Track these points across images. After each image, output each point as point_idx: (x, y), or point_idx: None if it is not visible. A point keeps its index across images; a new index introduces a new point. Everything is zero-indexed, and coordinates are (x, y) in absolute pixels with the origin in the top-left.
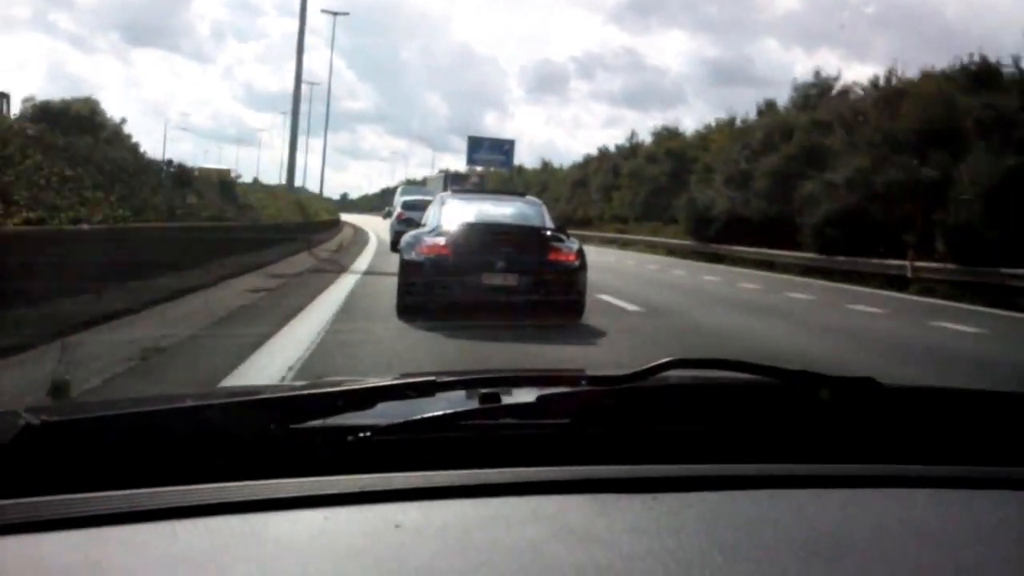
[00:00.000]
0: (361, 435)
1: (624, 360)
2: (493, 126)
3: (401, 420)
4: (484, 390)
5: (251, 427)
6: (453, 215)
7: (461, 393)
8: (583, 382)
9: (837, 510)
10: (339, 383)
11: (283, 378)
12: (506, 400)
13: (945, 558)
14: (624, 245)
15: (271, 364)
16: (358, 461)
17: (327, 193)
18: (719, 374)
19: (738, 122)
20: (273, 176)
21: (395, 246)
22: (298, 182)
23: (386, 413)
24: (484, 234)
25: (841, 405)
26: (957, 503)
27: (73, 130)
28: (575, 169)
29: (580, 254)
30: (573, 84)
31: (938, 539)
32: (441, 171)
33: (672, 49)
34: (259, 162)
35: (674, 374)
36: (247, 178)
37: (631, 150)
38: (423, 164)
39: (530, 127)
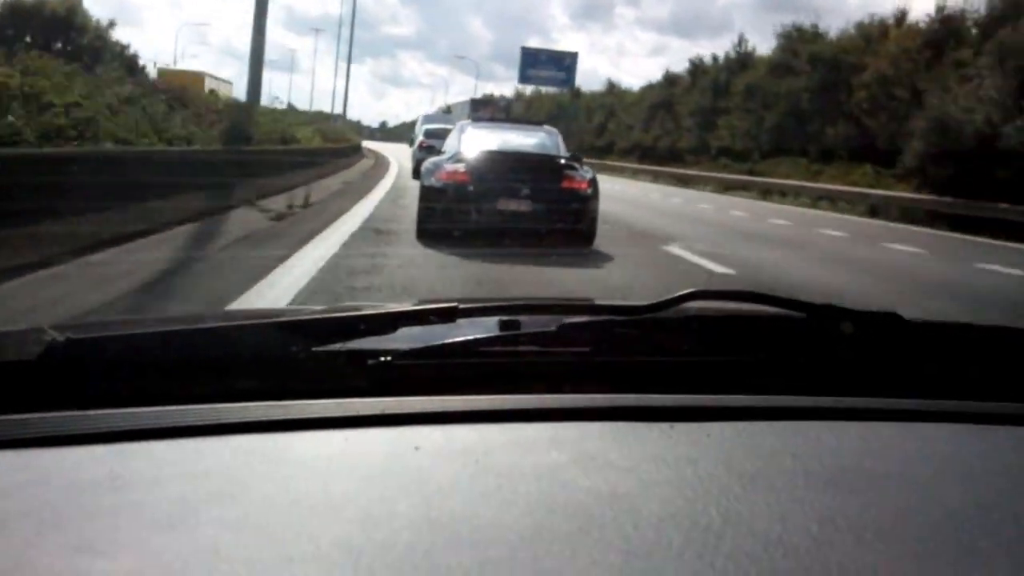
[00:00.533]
0: (382, 359)
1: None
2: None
3: (422, 345)
4: (505, 317)
5: (273, 349)
6: (472, 143)
7: (482, 320)
8: (604, 311)
9: (857, 442)
10: (360, 307)
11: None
12: (526, 328)
13: (966, 491)
14: (764, 194)
15: None
16: (379, 385)
17: (368, 121)
18: (742, 306)
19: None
20: (316, 103)
21: (416, 173)
22: (337, 109)
23: (407, 338)
24: (501, 162)
25: (864, 339)
26: (978, 437)
27: (49, 32)
28: (654, 89)
29: (592, 183)
30: (619, 10)
31: (958, 473)
32: (470, 99)
33: None
34: (290, 86)
35: (696, 305)
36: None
37: (739, 60)
38: (465, 91)
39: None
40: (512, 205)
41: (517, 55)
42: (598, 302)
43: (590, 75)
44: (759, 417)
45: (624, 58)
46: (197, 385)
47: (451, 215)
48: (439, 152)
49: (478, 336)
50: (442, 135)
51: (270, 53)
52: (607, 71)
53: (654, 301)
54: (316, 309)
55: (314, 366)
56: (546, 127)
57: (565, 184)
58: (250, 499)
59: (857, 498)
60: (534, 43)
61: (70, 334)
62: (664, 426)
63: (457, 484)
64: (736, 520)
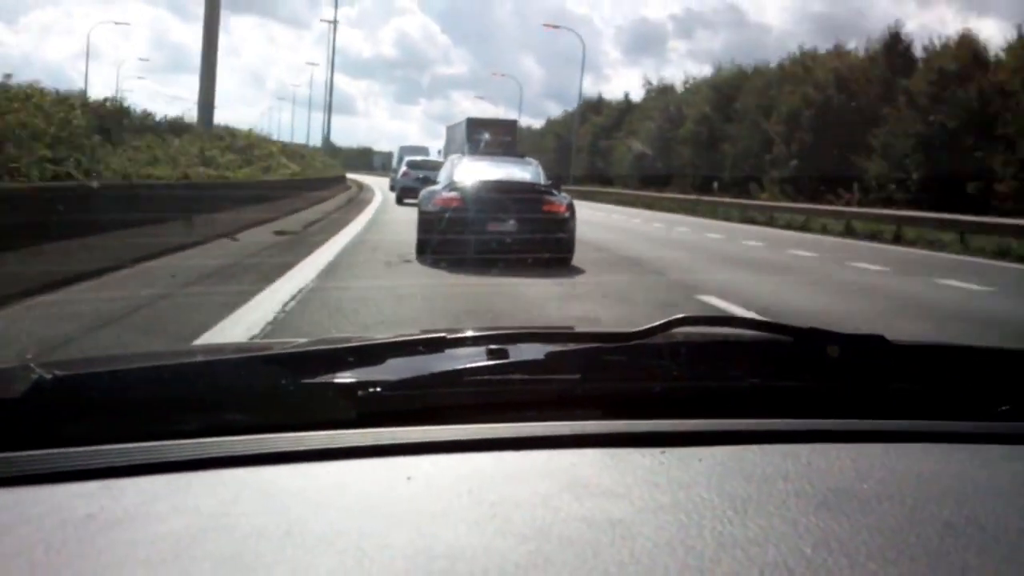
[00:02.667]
0: (372, 390)
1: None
2: (588, 89)
3: (411, 375)
4: (494, 346)
5: (262, 382)
6: (463, 174)
7: (471, 349)
8: (592, 339)
9: (847, 464)
10: (348, 340)
11: None
12: (515, 356)
13: (955, 512)
14: None
15: None
16: (369, 416)
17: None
18: (729, 331)
19: None
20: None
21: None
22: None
23: (396, 368)
24: (489, 189)
25: (850, 362)
26: (969, 457)
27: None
28: (715, 87)
29: (570, 207)
30: (671, 44)
31: (952, 492)
32: (466, 119)
33: (776, 4)
34: (292, 123)
35: (684, 331)
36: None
37: (901, 56)
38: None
39: (626, 90)
40: (500, 227)
41: (568, 89)
42: (586, 330)
43: None
44: (749, 441)
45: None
46: (186, 420)
47: (447, 235)
48: (406, 177)
49: (467, 365)
50: (421, 165)
51: (324, 96)
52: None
53: (642, 328)
54: (304, 342)
55: (303, 399)
56: (528, 158)
57: (546, 208)
58: (242, 533)
59: (849, 520)
60: (585, 79)
61: (57, 371)
62: (655, 451)
63: (450, 514)
64: (731, 544)
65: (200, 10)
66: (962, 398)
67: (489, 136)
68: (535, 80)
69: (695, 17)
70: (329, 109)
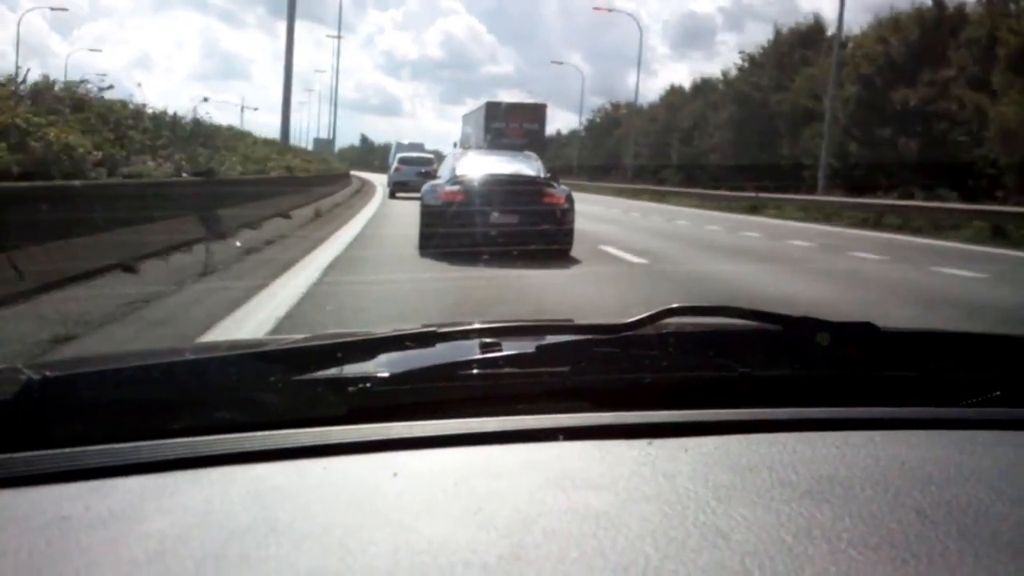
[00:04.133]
0: (361, 386)
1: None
2: (633, 84)
3: (401, 371)
4: (484, 340)
5: (251, 379)
6: (465, 168)
7: (461, 343)
8: (583, 331)
9: (832, 452)
10: (339, 335)
11: None
12: (506, 350)
13: (943, 498)
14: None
15: None
16: (358, 412)
17: None
18: (719, 321)
19: None
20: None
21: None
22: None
23: (386, 364)
24: (490, 183)
25: (840, 350)
26: (954, 443)
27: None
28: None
29: (568, 198)
30: (720, 37)
31: (935, 479)
32: (485, 103)
33: None
34: (303, 126)
35: (674, 321)
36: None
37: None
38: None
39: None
40: (503, 219)
41: (615, 86)
42: (577, 322)
43: None
44: (736, 431)
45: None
46: (175, 419)
47: (450, 228)
48: (398, 172)
49: (457, 360)
50: (411, 161)
51: (375, 100)
52: None
53: (633, 319)
54: (295, 338)
55: (293, 395)
56: (527, 152)
57: (546, 200)
58: (229, 531)
59: (832, 507)
60: (632, 75)
61: (46, 372)
62: (642, 443)
63: (434, 509)
64: (713, 534)
65: (249, 18)
66: (951, 384)
67: (512, 124)
68: (583, 76)
69: (745, 9)
70: (334, 115)
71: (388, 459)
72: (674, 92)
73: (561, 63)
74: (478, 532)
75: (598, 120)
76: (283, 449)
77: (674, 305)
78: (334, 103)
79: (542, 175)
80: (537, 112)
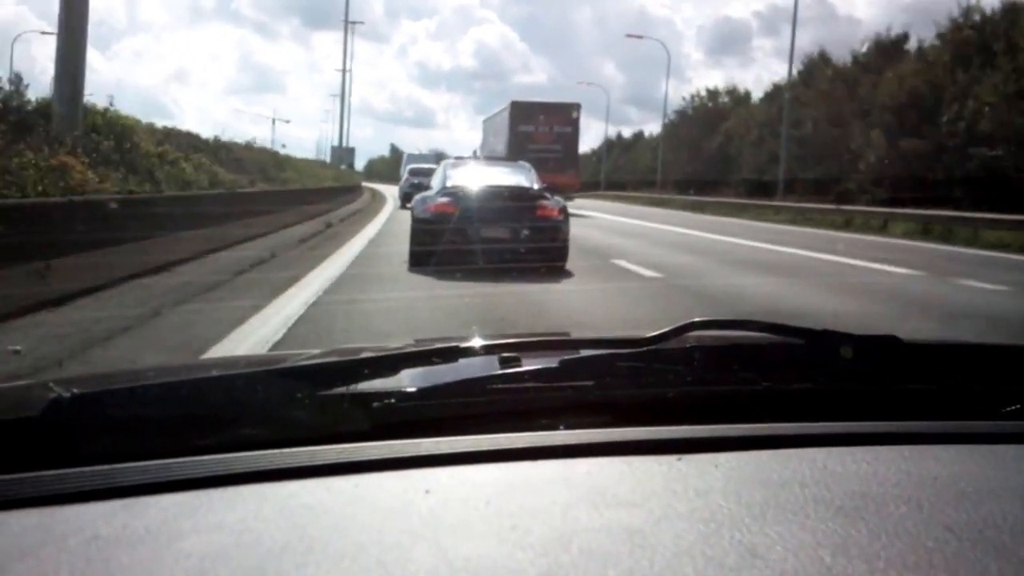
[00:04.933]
0: (387, 401)
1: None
2: (670, 94)
3: (426, 386)
4: (507, 355)
5: (277, 396)
6: (456, 179)
7: (485, 358)
8: (606, 345)
9: (863, 467)
10: (362, 351)
11: None
12: (529, 365)
13: (973, 513)
14: None
15: None
16: (385, 428)
17: None
18: (742, 334)
19: None
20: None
21: (404, 203)
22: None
23: (411, 379)
24: (482, 195)
25: (864, 363)
26: (985, 458)
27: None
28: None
29: (563, 210)
30: (756, 42)
31: (968, 495)
32: (511, 103)
33: None
34: (294, 139)
35: (696, 335)
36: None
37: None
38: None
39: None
40: (495, 232)
41: (649, 95)
42: (599, 336)
43: None
44: (764, 446)
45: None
46: (204, 436)
47: (440, 242)
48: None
49: (481, 375)
50: (420, 172)
51: (408, 112)
52: None
53: (655, 333)
54: (317, 353)
55: (319, 412)
56: (520, 162)
57: (540, 212)
58: (265, 549)
59: (867, 524)
60: (672, 87)
61: (74, 389)
62: (672, 458)
63: (469, 526)
64: (749, 553)
65: (283, 29)
66: (977, 397)
67: (541, 127)
68: (616, 86)
69: (780, 13)
70: (342, 137)
71: (420, 475)
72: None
73: (589, 83)
74: (515, 550)
75: (692, 112)
76: (314, 466)
77: (696, 319)
78: (341, 128)
79: (535, 186)
80: (569, 113)
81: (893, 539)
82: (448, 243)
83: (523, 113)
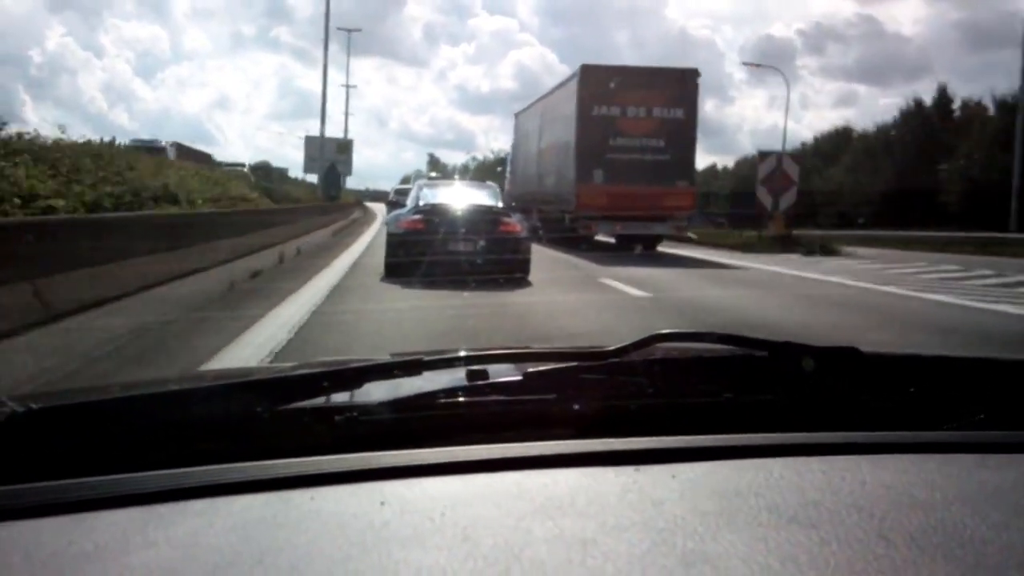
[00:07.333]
0: (348, 415)
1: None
2: (712, 113)
3: (388, 399)
4: (470, 367)
5: (238, 410)
6: (427, 198)
7: (447, 371)
8: (569, 358)
9: (818, 477)
10: (325, 364)
11: None
12: (492, 377)
13: (928, 523)
14: None
15: None
16: (345, 441)
17: None
18: (705, 347)
19: None
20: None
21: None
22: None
23: (373, 392)
24: (449, 212)
25: (824, 375)
26: (939, 468)
27: None
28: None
29: (524, 226)
30: (800, 61)
31: (921, 504)
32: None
33: (915, 13)
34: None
35: (660, 347)
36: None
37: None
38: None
39: (752, 112)
40: (461, 246)
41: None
42: (563, 349)
43: (770, 132)
44: (723, 456)
45: (808, 111)
46: (160, 450)
47: (412, 255)
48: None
49: (443, 388)
50: (404, 192)
51: (449, 135)
52: (789, 127)
53: (618, 346)
54: (283, 367)
55: (279, 425)
56: (487, 183)
57: (503, 228)
58: (213, 563)
59: (818, 533)
60: (709, 103)
61: (30, 404)
62: (629, 469)
63: (421, 538)
64: (700, 561)
65: (320, 55)
66: (935, 408)
67: (635, 108)
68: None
69: (825, 31)
70: (323, 150)
71: (375, 488)
72: None
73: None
74: (465, 562)
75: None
76: (269, 479)
77: (659, 332)
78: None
79: (499, 204)
80: (682, 84)
81: (843, 547)
82: (419, 256)
83: (602, 84)
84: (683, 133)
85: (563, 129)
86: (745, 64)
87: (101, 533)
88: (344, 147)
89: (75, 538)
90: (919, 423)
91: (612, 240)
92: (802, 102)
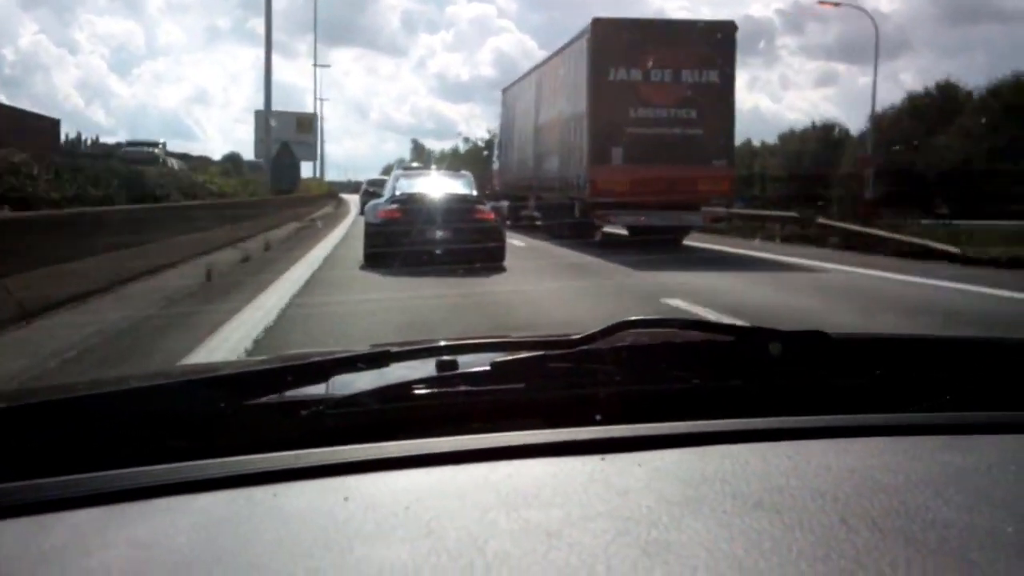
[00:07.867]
0: (314, 409)
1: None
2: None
3: (354, 392)
4: (437, 358)
5: (203, 405)
6: (403, 188)
7: (415, 363)
8: (537, 347)
9: (784, 462)
10: (291, 358)
11: None
12: (460, 368)
13: (891, 506)
14: None
15: None
16: (311, 435)
17: None
18: (672, 332)
19: None
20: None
21: (363, 211)
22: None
23: (340, 386)
24: (425, 201)
25: (792, 359)
26: (903, 450)
27: None
28: None
29: (499, 213)
30: (779, 40)
31: (884, 487)
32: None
33: None
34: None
35: (628, 334)
36: None
37: None
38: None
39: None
40: (437, 234)
41: None
42: (532, 337)
43: (751, 114)
44: (689, 443)
45: (789, 91)
46: (122, 449)
47: (390, 243)
48: (365, 194)
49: (410, 379)
50: (376, 183)
51: (430, 124)
52: (769, 109)
53: (586, 333)
54: (249, 362)
55: (244, 420)
56: (462, 172)
57: (477, 216)
58: (173, 562)
59: (782, 518)
60: None
61: None
62: (596, 459)
63: (384, 532)
64: (664, 550)
65: (301, 47)
66: (902, 390)
67: (660, 68)
68: None
69: (804, 10)
70: (322, 145)
71: (340, 483)
72: None
73: None
74: (428, 556)
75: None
76: (232, 476)
77: (626, 319)
78: (320, 134)
79: (473, 193)
80: (717, 42)
81: (806, 532)
82: (397, 244)
83: (620, 42)
84: (719, 101)
85: (569, 100)
86: (822, 3)
87: (59, 535)
88: (306, 123)
89: (33, 540)
90: (886, 405)
91: (624, 232)
92: (783, 82)
